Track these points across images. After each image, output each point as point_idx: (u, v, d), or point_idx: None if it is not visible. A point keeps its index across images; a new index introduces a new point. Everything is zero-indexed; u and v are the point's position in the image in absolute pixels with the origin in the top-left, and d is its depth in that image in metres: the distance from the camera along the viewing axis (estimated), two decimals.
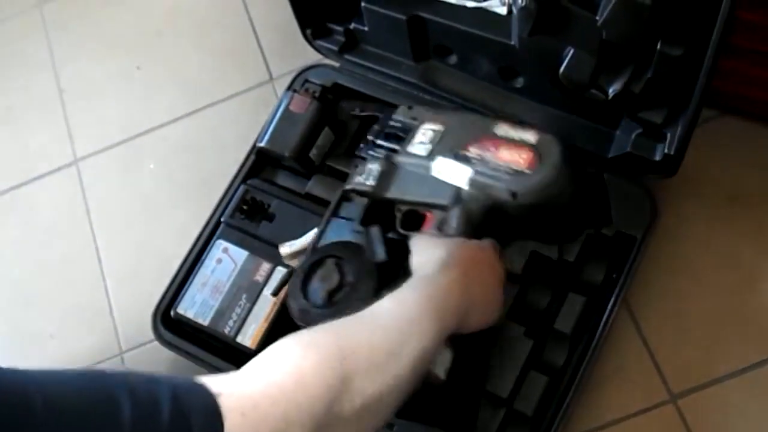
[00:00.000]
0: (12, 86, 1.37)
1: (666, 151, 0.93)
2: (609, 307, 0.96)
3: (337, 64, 1.12)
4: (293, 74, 1.12)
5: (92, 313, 1.19)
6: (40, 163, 1.30)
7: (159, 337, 1.03)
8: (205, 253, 1.03)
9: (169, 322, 1.02)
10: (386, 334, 0.66)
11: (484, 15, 0.96)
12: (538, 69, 0.97)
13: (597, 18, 0.81)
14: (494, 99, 1.05)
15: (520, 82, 1.02)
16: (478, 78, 1.05)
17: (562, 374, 0.97)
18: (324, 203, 1.04)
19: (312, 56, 1.15)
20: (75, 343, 1.17)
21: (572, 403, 0.94)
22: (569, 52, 0.89)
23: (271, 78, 1.25)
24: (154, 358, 1.10)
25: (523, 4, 0.82)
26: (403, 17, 1.00)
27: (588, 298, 0.98)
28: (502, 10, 0.95)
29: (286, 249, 0.99)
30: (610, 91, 0.89)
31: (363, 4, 1.02)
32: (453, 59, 1.05)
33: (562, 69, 0.89)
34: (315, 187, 1.06)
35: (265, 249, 1.01)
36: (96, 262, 1.21)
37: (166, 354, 1.03)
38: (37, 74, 1.36)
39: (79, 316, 1.19)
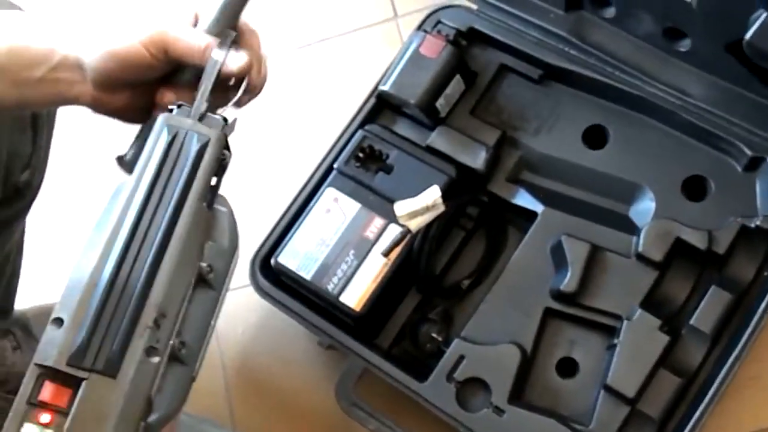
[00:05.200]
0: None
1: None
2: (761, 309, 0.85)
3: (473, 6, 1.01)
4: (421, 13, 1.01)
5: None
6: None
7: (255, 284, 0.95)
8: (313, 201, 0.95)
9: (268, 270, 0.95)
10: None
11: None
12: (713, 32, 0.84)
13: None
14: (651, 62, 0.93)
15: (685, 45, 0.90)
16: (636, 36, 0.93)
17: (695, 377, 0.88)
18: (447, 158, 0.95)
19: None
20: None
21: (704, 411, 0.84)
22: (760, 15, 0.76)
23: (395, 15, 1.15)
24: (246, 303, 1.03)
25: None
26: None
27: (735, 296, 0.87)
28: None
29: (402, 208, 0.90)
30: None
31: None
32: (610, 12, 0.93)
33: (749, 35, 0.77)
34: (438, 140, 0.96)
35: (379, 203, 0.93)
36: None
37: (260, 303, 0.96)
38: None
39: None
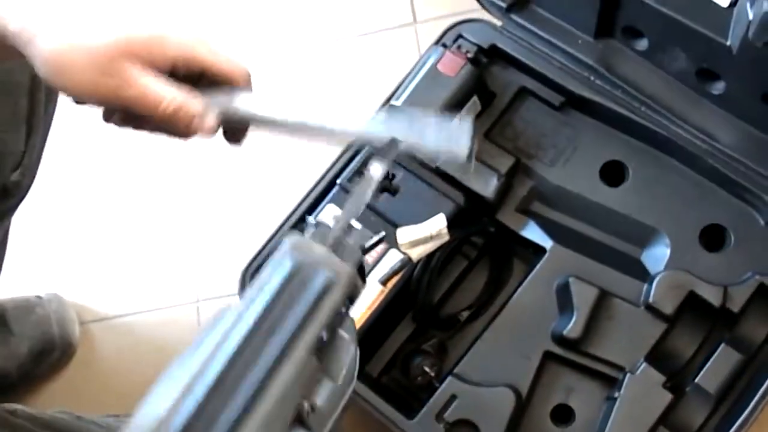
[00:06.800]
0: None
1: None
2: None
3: (498, 23, 0.95)
4: (441, 21, 0.97)
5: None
6: None
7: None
8: (312, 216, 0.90)
9: None
10: None
11: (697, 2, 0.79)
12: (751, 80, 0.80)
13: None
14: (680, 101, 0.88)
15: (718, 89, 0.85)
16: (667, 73, 0.88)
17: None
18: (455, 183, 0.90)
19: (463, 5, 0.99)
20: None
21: None
22: None
23: (414, 20, 1.09)
24: None
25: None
26: None
27: (744, 356, 0.83)
28: (723, 2, 0.78)
29: (405, 234, 0.85)
30: None
31: None
32: (642, 45, 0.87)
33: None
34: (448, 162, 0.91)
35: (381, 226, 0.87)
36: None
37: None
38: None
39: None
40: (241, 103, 0.59)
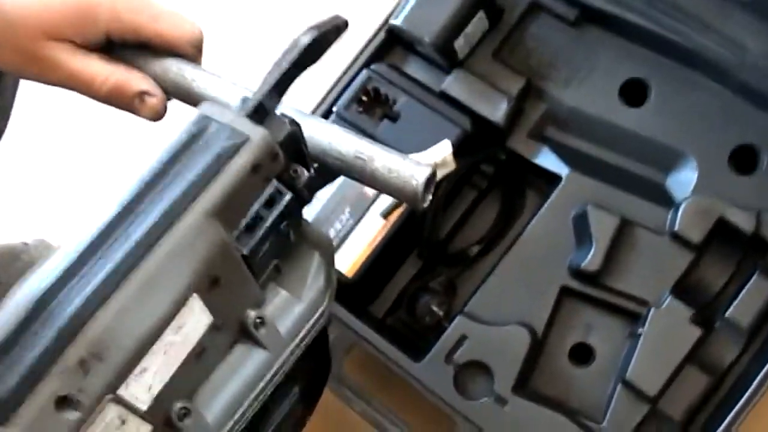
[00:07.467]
0: None
1: None
2: None
3: None
4: None
5: None
6: None
7: None
8: None
9: None
10: None
11: None
12: None
13: None
14: (707, 9, 0.80)
15: None
16: None
17: (725, 376, 0.78)
18: (462, 108, 0.83)
19: None
20: None
21: (734, 415, 0.74)
22: None
23: None
24: None
25: None
26: None
27: None
28: None
29: None
30: None
31: None
32: None
33: None
34: (454, 85, 0.84)
35: None
36: None
37: None
38: None
39: None
40: (192, 75, 0.52)
